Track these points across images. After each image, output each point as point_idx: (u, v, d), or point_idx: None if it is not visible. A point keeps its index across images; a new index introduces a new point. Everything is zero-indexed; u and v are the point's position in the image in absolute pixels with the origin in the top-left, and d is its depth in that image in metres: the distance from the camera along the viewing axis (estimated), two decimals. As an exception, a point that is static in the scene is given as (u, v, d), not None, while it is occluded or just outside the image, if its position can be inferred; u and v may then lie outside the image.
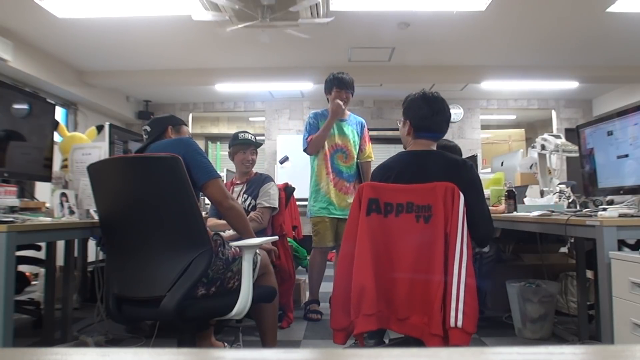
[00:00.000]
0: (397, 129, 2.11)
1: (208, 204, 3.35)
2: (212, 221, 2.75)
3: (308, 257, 3.51)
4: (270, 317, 2.14)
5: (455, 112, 7.48)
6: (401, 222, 1.69)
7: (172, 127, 2.08)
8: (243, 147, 2.88)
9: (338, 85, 3.22)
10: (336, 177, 3.23)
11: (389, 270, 1.69)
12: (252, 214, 2.73)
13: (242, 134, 2.89)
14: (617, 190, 2.08)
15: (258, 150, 2.99)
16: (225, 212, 1.89)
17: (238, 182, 2.97)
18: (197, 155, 1.80)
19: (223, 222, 2.51)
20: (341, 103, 3.16)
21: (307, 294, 3.67)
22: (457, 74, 5.91)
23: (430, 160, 1.91)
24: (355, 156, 3.31)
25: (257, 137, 2.98)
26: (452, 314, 1.57)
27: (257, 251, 1.91)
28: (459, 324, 1.56)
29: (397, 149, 2.15)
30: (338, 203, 3.21)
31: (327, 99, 3.27)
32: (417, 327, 1.65)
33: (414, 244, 1.68)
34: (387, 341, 2.19)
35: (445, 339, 1.58)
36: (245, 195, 2.87)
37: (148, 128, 2.06)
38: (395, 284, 1.68)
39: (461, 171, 1.84)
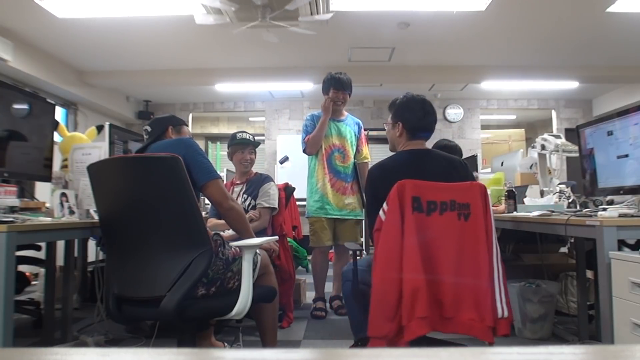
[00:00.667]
0: None
1: (208, 204, 3.35)
2: (212, 221, 2.75)
3: (308, 257, 3.51)
4: (270, 317, 2.14)
5: (455, 112, 7.48)
6: (445, 221, 1.70)
7: (173, 128, 2.08)
8: (241, 147, 2.88)
9: (335, 86, 3.22)
10: (334, 178, 3.23)
11: (434, 269, 1.69)
12: (249, 213, 2.73)
13: (240, 134, 2.90)
14: (617, 190, 2.07)
15: (258, 150, 2.99)
16: (225, 212, 1.89)
17: (238, 182, 2.97)
18: (198, 155, 1.80)
19: (222, 221, 2.51)
20: (330, 100, 3.18)
21: (307, 294, 3.68)
22: (457, 74, 5.91)
23: (433, 159, 2.01)
24: (353, 156, 3.31)
25: (257, 137, 2.98)
26: (499, 305, 1.65)
27: (257, 251, 1.91)
28: (505, 313, 1.66)
29: (396, 148, 2.18)
30: (336, 203, 3.21)
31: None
32: (464, 324, 1.67)
33: (457, 242, 1.70)
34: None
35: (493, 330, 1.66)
36: (245, 196, 2.87)
37: (149, 128, 2.07)
38: (441, 283, 1.69)
39: (461, 169, 1.97)
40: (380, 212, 1.72)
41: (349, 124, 3.34)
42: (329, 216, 3.21)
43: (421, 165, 1.96)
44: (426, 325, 1.64)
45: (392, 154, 2.09)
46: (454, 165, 1.98)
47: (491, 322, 1.63)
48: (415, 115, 2.01)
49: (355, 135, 3.35)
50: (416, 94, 2.06)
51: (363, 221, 3.47)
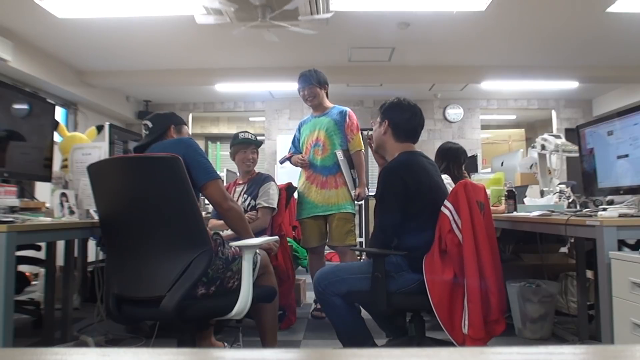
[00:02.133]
0: None
1: (208, 204, 3.34)
2: (212, 222, 2.75)
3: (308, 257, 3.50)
4: (270, 317, 2.14)
5: (455, 112, 7.49)
6: (482, 218, 1.81)
7: (174, 127, 2.06)
8: (243, 147, 2.88)
9: (300, 85, 3.12)
10: (313, 173, 3.11)
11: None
12: (247, 214, 2.72)
13: (243, 134, 2.90)
14: (617, 190, 2.07)
15: (258, 150, 2.99)
16: (224, 213, 1.89)
17: (240, 182, 2.97)
18: (198, 155, 1.80)
19: (222, 222, 2.51)
20: (305, 160, 3.11)
21: (307, 294, 3.68)
22: (457, 74, 5.91)
23: (431, 161, 2.09)
24: (331, 147, 3.09)
25: (257, 137, 2.98)
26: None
27: (257, 251, 1.91)
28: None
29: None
30: (317, 200, 3.06)
31: None
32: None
33: (489, 237, 1.82)
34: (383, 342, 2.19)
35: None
36: (245, 196, 2.87)
37: (149, 124, 2.01)
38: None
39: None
40: (447, 212, 1.77)
41: (331, 114, 3.15)
42: (310, 215, 3.08)
43: (431, 167, 2.02)
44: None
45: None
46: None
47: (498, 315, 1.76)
48: (412, 118, 2.02)
49: (336, 123, 3.10)
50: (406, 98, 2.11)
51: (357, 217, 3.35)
